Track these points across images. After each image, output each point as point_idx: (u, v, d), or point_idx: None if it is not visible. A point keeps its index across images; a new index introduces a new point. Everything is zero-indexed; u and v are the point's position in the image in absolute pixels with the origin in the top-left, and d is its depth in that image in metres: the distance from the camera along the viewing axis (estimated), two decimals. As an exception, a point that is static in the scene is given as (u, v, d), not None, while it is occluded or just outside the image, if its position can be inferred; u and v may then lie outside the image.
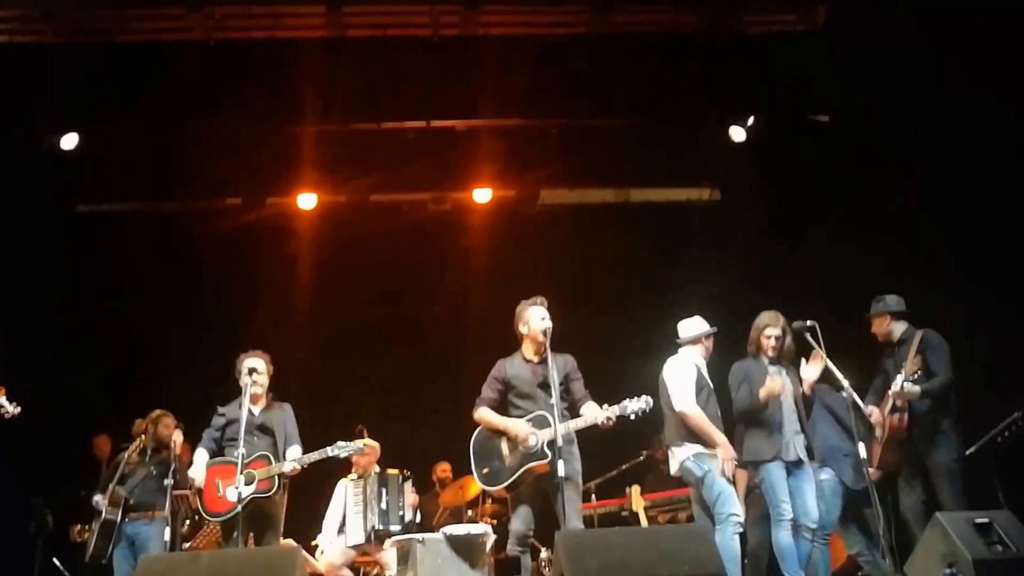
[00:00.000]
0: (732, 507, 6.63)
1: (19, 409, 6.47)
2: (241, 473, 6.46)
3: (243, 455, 6.51)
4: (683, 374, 6.97)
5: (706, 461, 6.74)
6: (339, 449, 7.01)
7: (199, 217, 10.71)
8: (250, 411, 6.92)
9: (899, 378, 7.02)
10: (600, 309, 10.24)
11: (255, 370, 6.95)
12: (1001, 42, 7.86)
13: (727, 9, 9.40)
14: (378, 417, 9.35)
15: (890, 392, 7.13)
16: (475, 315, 10.38)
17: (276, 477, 6.77)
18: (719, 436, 6.76)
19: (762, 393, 6.81)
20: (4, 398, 6.41)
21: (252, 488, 6.65)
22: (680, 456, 6.89)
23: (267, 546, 6.72)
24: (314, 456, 6.93)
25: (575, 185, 11.16)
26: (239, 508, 6.54)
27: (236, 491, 6.46)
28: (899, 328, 7.54)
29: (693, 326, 7.23)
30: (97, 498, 7.87)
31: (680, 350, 7.21)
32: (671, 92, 9.69)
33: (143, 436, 8.07)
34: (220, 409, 7.08)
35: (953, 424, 7.20)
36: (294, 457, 6.87)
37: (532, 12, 9.42)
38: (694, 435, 6.79)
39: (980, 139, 8.14)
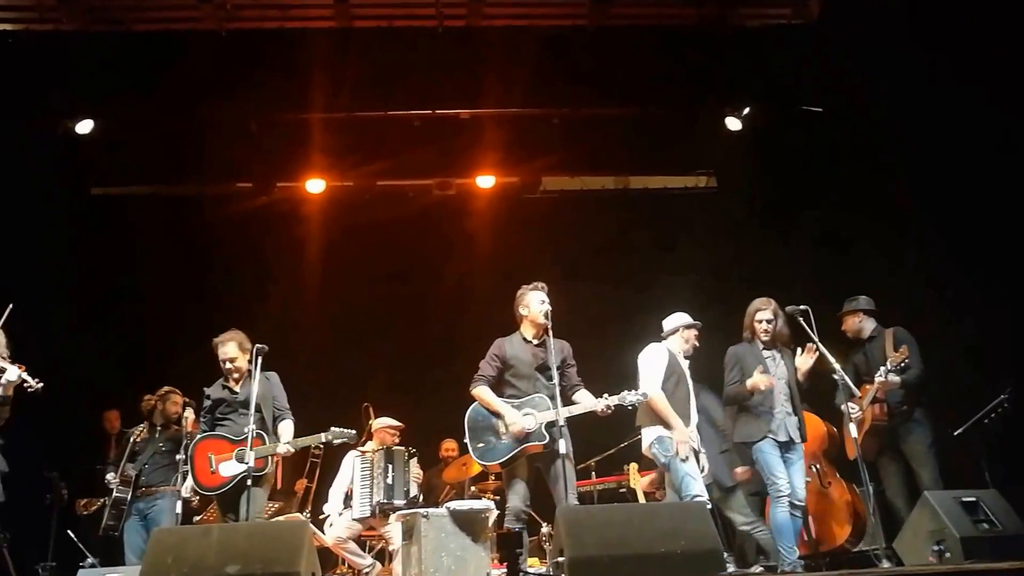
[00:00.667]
0: (695, 488, 6.64)
1: (42, 384, 6.45)
2: (251, 449, 6.42)
3: (253, 430, 6.45)
4: (653, 360, 7.03)
5: (669, 446, 6.77)
6: (333, 435, 6.87)
7: (210, 200, 10.70)
8: (231, 391, 6.88)
9: (883, 369, 7.19)
10: (599, 293, 10.19)
11: (228, 360, 6.86)
12: (991, 33, 7.79)
13: (724, 3, 9.39)
14: (384, 395, 9.33)
15: (875, 382, 7.25)
16: (478, 297, 10.34)
17: (269, 457, 6.65)
18: (675, 419, 6.78)
19: (749, 383, 6.86)
20: (26, 373, 6.39)
21: (244, 466, 6.56)
22: (647, 438, 6.97)
23: (275, 519, 6.69)
24: (308, 440, 6.84)
25: (576, 172, 11.15)
26: (230, 485, 6.58)
27: (243, 465, 6.46)
28: (869, 326, 7.76)
29: (673, 320, 7.30)
30: (109, 476, 7.86)
31: (666, 340, 7.26)
32: (669, 83, 9.71)
33: (150, 419, 8.07)
34: (206, 391, 6.98)
35: (925, 412, 7.39)
36: (287, 440, 6.74)
37: (535, 4, 9.46)
38: (659, 417, 6.85)
39: (969, 128, 8.07)
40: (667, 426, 6.81)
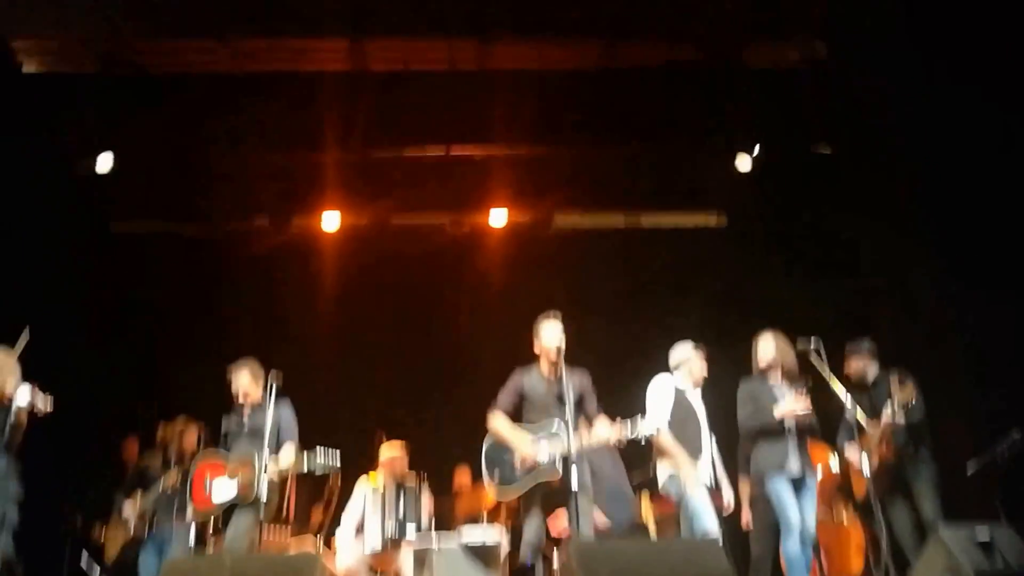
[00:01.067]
0: (704, 523, 6.60)
1: (50, 399, 6.51)
2: (264, 471, 6.45)
3: (266, 456, 6.47)
4: (660, 395, 7.01)
5: (679, 483, 6.76)
6: (316, 460, 6.75)
7: (227, 237, 10.73)
8: (239, 417, 6.99)
9: (889, 408, 7.16)
10: (610, 330, 10.19)
11: (241, 393, 6.99)
12: (998, 70, 7.82)
13: (731, 44, 9.45)
14: (397, 427, 9.31)
15: (882, 423, 7.20)
16: (491, 333, 10.37)
17: (255, 484, 6.55)
18: (682, 456, 6.76)
19: (777, 413, 6.82)
20: (36, 394, 6.44)
21: (235, 490, 6.64)
22: (660, 476, 6.95)
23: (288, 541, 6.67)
24: (292, 467, 6.74)
25: (587, 210, 11.20)
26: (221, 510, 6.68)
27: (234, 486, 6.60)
28: (873, 369, 7.71)
29: (676, 352, 7.27)
30: (127, 506, 7.87)
31: (674, 372, 7.22)
32: (679, 122, 9.74)
33: (164, 451, 8.09)
34: (224, 419, 7.06)
35: (929, 450, 7.37)
36: (282, 459, 6.69)
37: (544, 47, 9.48)
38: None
39: (979, 166, 8.07)
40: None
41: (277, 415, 6.81)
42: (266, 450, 6.45)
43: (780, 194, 10.13)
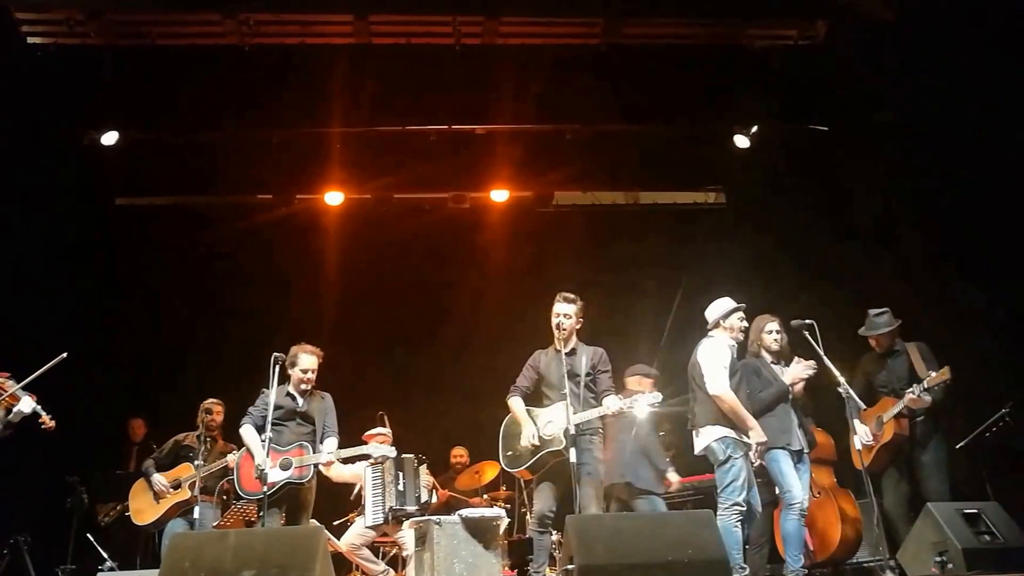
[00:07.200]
0: (739, 495, 6.30)
1: (54, 422, 6.58)
2: (281, 461, 6.59)
3: (270, 438, 6.49)
4: (717, 357, 6.57)
5: (731, 446, 6.38)
6: (374, 450, 7.06)
7: (231, 212, 10.65)
8: (294, 398, 6.92)
9: (916, 388, 7.07)
10: (609, 304, 10.16)
11: (310, 370, 6.93)
12: (996, 51, 7.74)
13: (733, 24, 9.42)
14: (398, 403, 9.30)
15: (906, 398, 7.13)
16: (491, 308, 10.37)
17: (311, 466, 6.73)
18: (751, 420, 6.44)
19: (787, 378, 6.78)
20: (39, 406, 6.47)
21: (288, 473, 6.65)
22: (708, 437, 6.50)
23: (292, 526, 6.68)
24: (349, 452, 6.94)
25: (588, 187, 11.17)
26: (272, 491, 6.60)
27: (286, 472, 6.64)
28: (897, 340, 7.57)
29: (719, 306, 6.86)
30: (157, 477, 7.88)
31: (713, 332, 6.82)
32: (679, 100, 9.70)
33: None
34: (265, 391, 6.86)
35: (942, 426, 7.29)
36: (330, 450, 6.80)
37: (549, 24, 9.43)
38: (725, 418, 6.43)
39: (980, 145, 7.99)
40: (737, 428, 6.43)
41: (324, 408, 6.98)
42: (268, 432, 6.47)
43: (778, 172, 10.06)
